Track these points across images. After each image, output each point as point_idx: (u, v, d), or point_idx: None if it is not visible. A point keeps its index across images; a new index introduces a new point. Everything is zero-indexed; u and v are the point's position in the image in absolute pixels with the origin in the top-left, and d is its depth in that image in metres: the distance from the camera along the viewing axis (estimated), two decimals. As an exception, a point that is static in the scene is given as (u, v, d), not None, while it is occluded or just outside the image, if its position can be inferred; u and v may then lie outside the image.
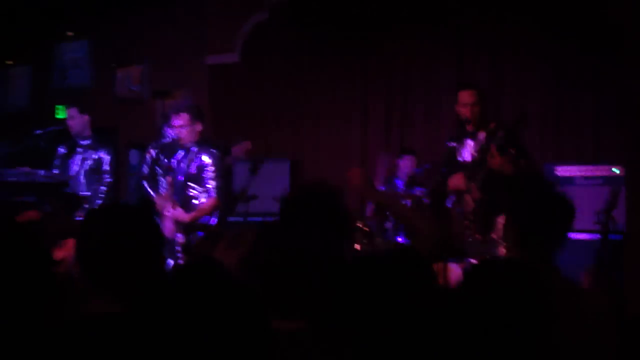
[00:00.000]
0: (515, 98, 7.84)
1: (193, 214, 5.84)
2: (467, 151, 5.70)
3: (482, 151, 5.44)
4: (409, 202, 7.37)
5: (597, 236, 5.91)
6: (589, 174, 6.48)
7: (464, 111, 5.59)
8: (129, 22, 9.65)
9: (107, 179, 6.72)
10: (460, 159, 5.75)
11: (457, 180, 5.68)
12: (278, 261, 2.18)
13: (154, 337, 1.71)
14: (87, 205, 6.32)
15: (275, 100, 9.16)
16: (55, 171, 6.77)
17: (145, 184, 6.17)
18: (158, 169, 6.17)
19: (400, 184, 7.72)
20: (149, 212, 2.38)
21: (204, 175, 5.87)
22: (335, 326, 2.16)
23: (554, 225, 2.49)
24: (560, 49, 7.57)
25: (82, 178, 6.73)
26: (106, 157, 6.76)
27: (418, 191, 7.46)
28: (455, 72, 8.17)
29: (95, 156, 6.76)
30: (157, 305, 1.77)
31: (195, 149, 5.93)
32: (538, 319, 1.48)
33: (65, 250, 3.91)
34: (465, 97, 5.61)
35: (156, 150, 6.20)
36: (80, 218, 6.26)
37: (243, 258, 2.33)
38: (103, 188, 6.68)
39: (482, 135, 5.54)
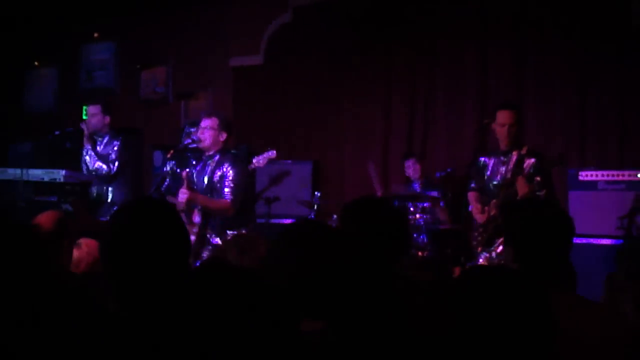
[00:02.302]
0: (540, 102, 7.79)
1: (202, 196, 5.71)
2: (497, 168, 5.67)
3: (512, 175, 5.44)
4: (426, 203, 7.39)
5: (620, 241, 5.87)
6: (612, 178, 6.42)
7: (501, 131, 5.54)
8: (154, 24, 9.72)
9: (116, 164, 6.75)
10: (488, 173, 5.73)
11: (475, 209, 5.71)
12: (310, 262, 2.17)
13: (164, 339, 1.72)
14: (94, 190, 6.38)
15: (298, 102, 9.17)
16: (84, 170, 6.82)
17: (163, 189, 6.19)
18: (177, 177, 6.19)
19: (416, 186, 7.74)
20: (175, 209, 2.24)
21: (224, 183, 5.84)
22: (356, 331, 2.17)
23: (549, 245, 2.47)
24: (585, 54, 7.51)
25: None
26: (117, 144, 6.81)
27: (435, 193, 7.50)
28: (479, 77, 8.14)
29: (110, 147, 6.83)
30: (171, 307, 1.78)
31: (218, 157, 5.90)
32: (533, 330, 1.46)
33: (83, 250, 3.93)
34: (504, 117, 5.54)
35: (175, 161, 6.22)
36: (104, 217, 6.36)
37: (266, 257, 2.31)
38: (106, 169, 6.72)
39: (514, 156, 5.51)
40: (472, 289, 1.50)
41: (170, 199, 5.98)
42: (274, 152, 6.57)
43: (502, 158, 5.61)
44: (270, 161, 6.85)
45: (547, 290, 1.58)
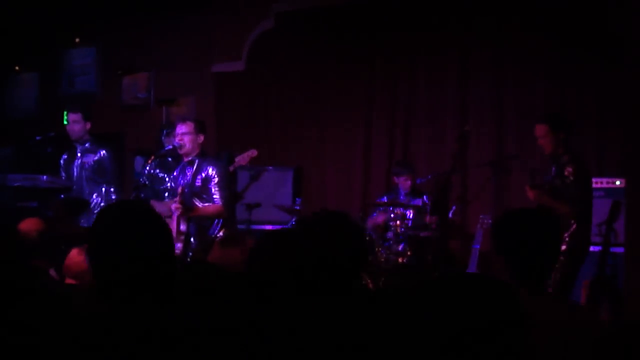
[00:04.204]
0: (519, 111, 7.85)
1: (196, 208, 5.87)
2: (551, 174, 5.87)
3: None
4: (410, 211, 7.43)
5: (599, 248, 5.92)
6: (590, 186, 6.46)
7: (539, 142, 5.83)
8: (135, 30, 9.70)
9: (109, 177, 6.76)
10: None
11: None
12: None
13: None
14: (95, 209, 6.38)
15: (280, 108, 9.19)
16: (63, 177, 6.80)
17: (142, 195, 6.21)
18: (156, 181, 6.21)
19: (401, 194, 7.74)
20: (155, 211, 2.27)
21: (209, 186, 5.90)
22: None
23: (535, 254, 2.63)
24: (563, 62, 7.60)
25: (84, 182, 6.75)
26: (106, 156, 6.80)
27: (418, 201, 7.52)
28: (460, 85, 8.21)
29: (96, 157, 6.80)
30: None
31: (198, 161, 5.96)
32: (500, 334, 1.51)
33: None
34: (536, 130, 5.84)
35: (155, 163, 6.25)
36: (85, 223, 6.35)
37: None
38: (111, 188, 6.72)
39: (559, 162, 5.75)
40: (439, 294, 1.55)
41: (154, 203, 6.00)
42: (255, 151, 6.65)
43: (553, 166, 5.85)
44: (252, 162, 6.92)
45: (523, 293, 1.62)
